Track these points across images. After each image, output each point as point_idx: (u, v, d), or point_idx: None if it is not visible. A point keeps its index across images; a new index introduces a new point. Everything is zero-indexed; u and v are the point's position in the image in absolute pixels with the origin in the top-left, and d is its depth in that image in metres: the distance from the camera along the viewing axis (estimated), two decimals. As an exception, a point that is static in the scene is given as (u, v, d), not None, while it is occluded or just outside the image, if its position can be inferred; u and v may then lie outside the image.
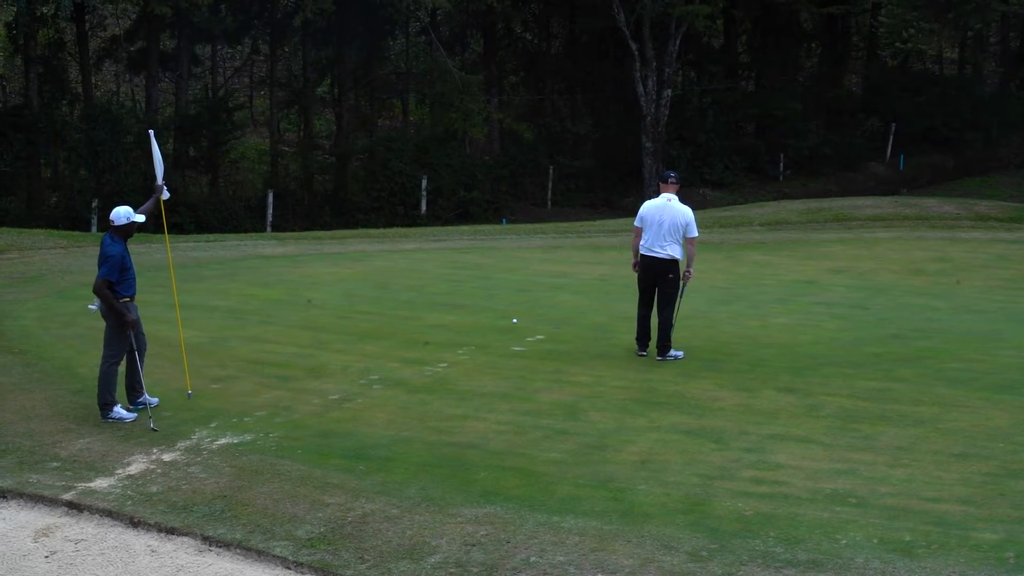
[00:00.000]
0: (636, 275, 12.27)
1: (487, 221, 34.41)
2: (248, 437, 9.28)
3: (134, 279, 9.87)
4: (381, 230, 28.08)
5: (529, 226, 29.12)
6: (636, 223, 12.21)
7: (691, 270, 12.22)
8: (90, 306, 10.14)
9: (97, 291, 9.64)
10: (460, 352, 12.25)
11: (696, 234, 12.05)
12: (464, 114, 36.48)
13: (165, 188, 10.41)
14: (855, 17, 44.93)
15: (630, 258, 12.52)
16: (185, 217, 31.84)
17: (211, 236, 25.17)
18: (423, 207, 35.86)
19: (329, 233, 26.80)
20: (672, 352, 12.02)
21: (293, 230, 30.71)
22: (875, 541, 7.08)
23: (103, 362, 9.82)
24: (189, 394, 10.37)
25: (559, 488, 8.09)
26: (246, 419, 9.77)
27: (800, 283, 17.74)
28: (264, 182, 36.26)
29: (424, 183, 35.83)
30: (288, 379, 11.06)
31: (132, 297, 9.85)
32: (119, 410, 9.82)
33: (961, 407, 10.09)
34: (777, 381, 11.05)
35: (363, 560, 7.03)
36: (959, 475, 8.29)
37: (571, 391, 10.68)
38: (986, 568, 6.70)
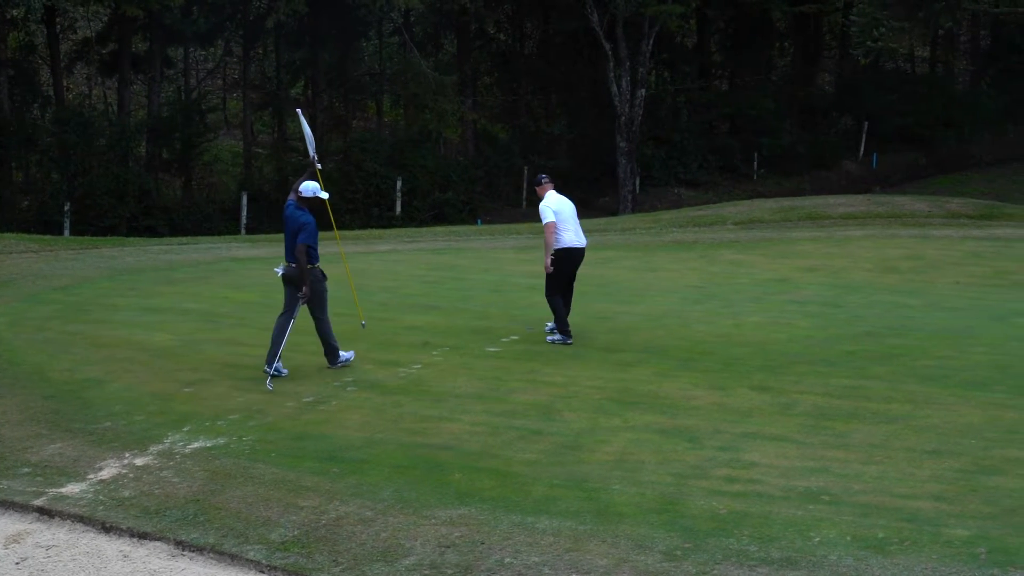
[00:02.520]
0: (558, 270, 12.53)
1: (462, 222, 34.38)
2: (221, 440, 9.24)
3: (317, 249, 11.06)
4: (356, 232, 27.98)
5: (504, 227, 29.10)
6: (553, 218, 12.47)
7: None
8: (276, 269, 11.29)
9: (299, 255, 10.77)
10: (435, 353, 12.23)
11: None
12: (438, 115, 36.48)
13: (317, 160, 11.62)
14: (827, 16, 45.19)
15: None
16: (158, 220, 31.67)
17: (184, 239, 25.02)
18: (398, 208, 35.80)
19: (303, 235, 26.62)
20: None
21: (267, 232, 30.58)
22: (848, 538, 7.11)
23: (319, 325, 11.21)
24: (363, 324, 12.08)
25: (534, 489, 8.08)
26: (219, 422, 9.73)
27: (774, 282, 17.80)
28: (238, 184, 36.10)
29: (399, 184, 35.79)
30: (262, 382, 11.00)
31: (315, 265, 11.01)
32: (343, 354, 11.39)
33: (933, 404, 10.15)
34: (751, 380, 11.08)
35: (337, 563, 7.00)
36: (931, 472, 8.34)
37: (545, 391, 10.68)
38: (958, 564, 6.73)
